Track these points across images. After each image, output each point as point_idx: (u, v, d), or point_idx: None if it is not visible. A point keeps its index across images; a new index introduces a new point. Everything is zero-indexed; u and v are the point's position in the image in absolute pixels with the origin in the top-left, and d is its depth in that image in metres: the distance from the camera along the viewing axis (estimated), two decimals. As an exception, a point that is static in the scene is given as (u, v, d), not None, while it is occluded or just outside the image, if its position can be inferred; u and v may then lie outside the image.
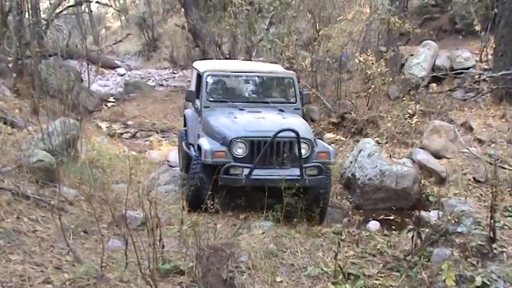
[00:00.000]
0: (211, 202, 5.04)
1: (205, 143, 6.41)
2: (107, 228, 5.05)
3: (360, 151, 7.76)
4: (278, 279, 4.29)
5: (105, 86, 18.26)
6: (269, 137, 6.11)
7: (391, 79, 10.36)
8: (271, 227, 5.63)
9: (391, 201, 7.28)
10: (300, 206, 6.26)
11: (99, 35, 28.80)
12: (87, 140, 8.40)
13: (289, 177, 6.01)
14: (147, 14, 25.89)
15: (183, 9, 17.49)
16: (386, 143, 9.03)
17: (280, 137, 6.14)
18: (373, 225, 6.53)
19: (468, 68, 10.63)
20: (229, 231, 5.38)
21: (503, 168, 7.17)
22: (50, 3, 18.36)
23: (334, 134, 10.28)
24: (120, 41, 27.53)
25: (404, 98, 9.92)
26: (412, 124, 9.03)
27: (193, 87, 7.86)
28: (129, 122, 13.09)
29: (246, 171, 6.15)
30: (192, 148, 7.51)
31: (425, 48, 11.25)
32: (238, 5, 13.11)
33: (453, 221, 4.57)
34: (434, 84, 10.43)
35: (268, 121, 6.60)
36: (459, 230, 4.43)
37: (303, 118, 7.33)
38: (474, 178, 7.45)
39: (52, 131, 6.54)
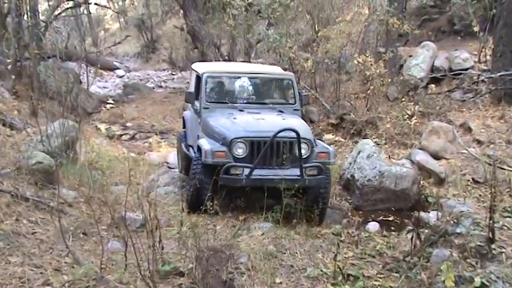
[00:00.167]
0: (211, 203, 5.04)
1: (205, 143, 6.42)
2: (107, 230, 5.05)
3: (359, 152, 7.76)
4: (278, 280, 4.29)
5: (104, 87, 18.25)
6: (269, 137, 6.12)
7: (390, 80, 10.37)
8: (270, 228, 5.64)
9: (390, 202, 7.28)
10: (300, 207, 6.26)
11: (98, 37, 28.82)
12: (86, 141, 8.41)
13: (289, 177, 6.02)
14: (146, 15, 25.89)
15: (181, 11, 17.47)
16: (386, 144, 9.05)
17: (280, 137, 6.15)
18: (373, 226, 6.53)
19: (467, 69, 10.62)
20: (228, 233, 5.38)
21: (502, 168, 7.17)
22: (49, 5, 18.35)
23: (333, 135, 10.29)
24: (119, 42, 27.51)
25: (403, 99, 9.93)
26: (411, 125, 9.04)
27: (192, 89, 7.87)
28: (128, 124, 13.08)
29: (246, 171, 6.16)
30: (191, 150, 7.51)
31: (424, 49, 11.25)
32: (237, 6, 13.12)
33: (452, 222, 4.59)
34: (433, 85, 10.43)
35: (267, 122, 6.61)
36: (458, 230, 4.44)
37: (302, 119, 7.34)
38: (473, 179, 7.45)
39: (51, 132, 6.54)
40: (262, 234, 5.32)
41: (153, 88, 18.32)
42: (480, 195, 7.04)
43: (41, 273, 3.91)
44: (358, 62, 10.48)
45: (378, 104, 10.45)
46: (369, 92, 10.48)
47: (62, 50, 15.99)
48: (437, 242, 4.44)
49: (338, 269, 4.32)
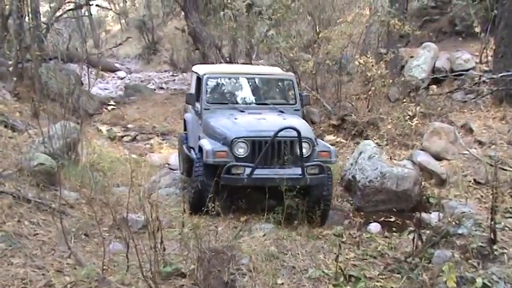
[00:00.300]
0: (213, 205, 5.04)
1: (207, 143, 6.43)
2: (108, 231, 5.05)
3: (361, 153, 7.77)
4: (279, 281, 4.29)
5: (105, 89, 18.29)
6: (270, 136, 6.12)
7: (391, 81, 10.36)
8: (272, 229, 5.63)
9: (391, 203, 7.29)
10: (301, 208, 6.26)
11: (99, 38, 28.89)
12: (87, 143, 8.41)
13: (290, 177, 6.02)
14: (147, 17, 25.93)
15: (183, 12, 17.52)
16: (387, 145, 9.05)
17: (281, 136, 6.16)
18: (374, 227, 6.53)
19: (468, 70, 10.61)
20: (230, 234, 5.37)
21: (503, 169, 7.17)
22: (50, 7, 18.38)
23: (334, 136, 10.28)
24: (120, 44, 27.58)
25: (404, 100, 9.93)
26: (412, 126, 9.03)
27: (193, 90, 7.88)
28: (130, 125, 13.11)
29: (248, 170, 6.17)
30: (192, 151, 7.52)
31: (425, 50, 11.25)
32: (238, 8, 13.13)
33: (454, 223, 4.58)
34: (434, 86, 10.43)
35: (268, 122, 6.62)
36: (460, 231, 4.44)
37: (303, 119, 7.35)
38: (474, 180, 7.45)
39: (53, 134, 6.54)
40: (264, 235, 5.31)
41: (154, 90, 18.36)
42: (482, 196, 7.04)
43: (42, 274, 3.91)
44: (359, 63, 10.48)
45: (379, 105, 10.45)
46: (370, 93, 10.48)
47: (63, 51, 16.03)
48: (438, 243, 4.44)
49: (340, 270, 4.32)
